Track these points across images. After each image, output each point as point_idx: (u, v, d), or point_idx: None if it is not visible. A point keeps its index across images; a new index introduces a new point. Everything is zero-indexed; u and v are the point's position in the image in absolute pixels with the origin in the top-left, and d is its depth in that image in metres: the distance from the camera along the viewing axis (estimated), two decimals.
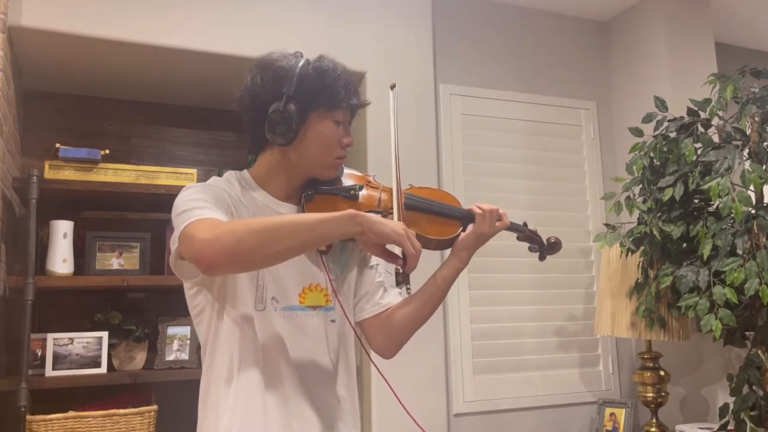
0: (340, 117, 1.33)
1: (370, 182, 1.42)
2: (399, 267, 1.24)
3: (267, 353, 1.27)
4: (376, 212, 1.32)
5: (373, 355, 1.44)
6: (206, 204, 1.21)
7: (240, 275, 1.26)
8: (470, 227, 1.41)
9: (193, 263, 1.13)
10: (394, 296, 1.45)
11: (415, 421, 1.34)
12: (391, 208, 1.35)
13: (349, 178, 1.41)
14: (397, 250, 1.25)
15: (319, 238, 1.19)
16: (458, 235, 1.41)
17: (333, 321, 1.36)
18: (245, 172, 1.37)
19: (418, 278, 1.33)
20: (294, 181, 1.35)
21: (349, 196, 1.35)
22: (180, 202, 1.23)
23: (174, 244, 1.21)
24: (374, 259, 1.46)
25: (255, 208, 1.31)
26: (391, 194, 1.37)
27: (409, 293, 1.27)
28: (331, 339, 1.35)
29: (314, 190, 1.34)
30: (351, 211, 1.18)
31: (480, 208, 1.41)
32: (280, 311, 1.29)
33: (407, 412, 1.38)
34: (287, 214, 1.32)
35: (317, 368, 1.32)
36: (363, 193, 1.37)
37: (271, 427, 1.25)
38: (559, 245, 1.54)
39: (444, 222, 1.41)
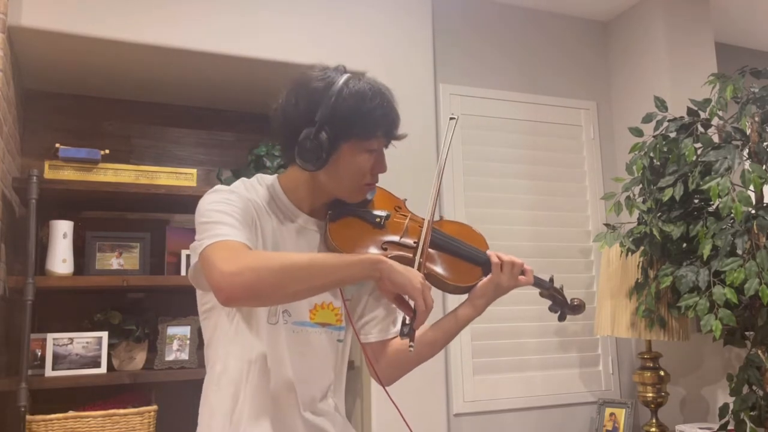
0: (375, 146, 1.26)
1: (400, 208, 1.38)
2: (407, 318, 1.21)
3: (273, 364, 1.26)
4: (398, 244, 1.30)
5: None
6: (232, 220, 1.18)
7: None
8: (488, 278, 1.37)
9: (211, 290, 1.12)
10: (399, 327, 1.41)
11: (408, 426, 1.33)
12: (414, 242, 1.31)
13: (380, 199, 1.36)
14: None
15: (339, 282, 1.20)
16: (476, 283, 1.36)
17: (340, 341, 1.35)
18: (275, 180, 1.34)
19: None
20: (320, 199, 1.32)
21: (375, 224, 1.31)
22: (206, 209, 1.21)
23: (194, 253, 1.19)
24: None
25: (279, 220, 1.30)
26: (419, 224, 1.34)
27: (411, 349, 1.19)
28: (336, 357, 1.35)
29: (341, 209, 1.31)
30: (373, 256, 1.17)
31: (499, 258, 1.36)
32: (291, 325, 1.28)
33: (401, 416, 1.36)
34: (311, 229, 1.32)
35: (318, 384, 1.32)
36: (389, 221, 1.32)
37: None
38: (582, 308, 1.47)
39: (466, 267, 1.36)
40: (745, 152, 2.24)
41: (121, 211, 2.64)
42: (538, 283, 1.44)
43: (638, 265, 2.48)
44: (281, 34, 2.45)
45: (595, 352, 2.99)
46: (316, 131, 1.20)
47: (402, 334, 1.20)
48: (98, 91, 2.67)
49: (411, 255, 1.29)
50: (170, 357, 2.35)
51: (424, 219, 1.33)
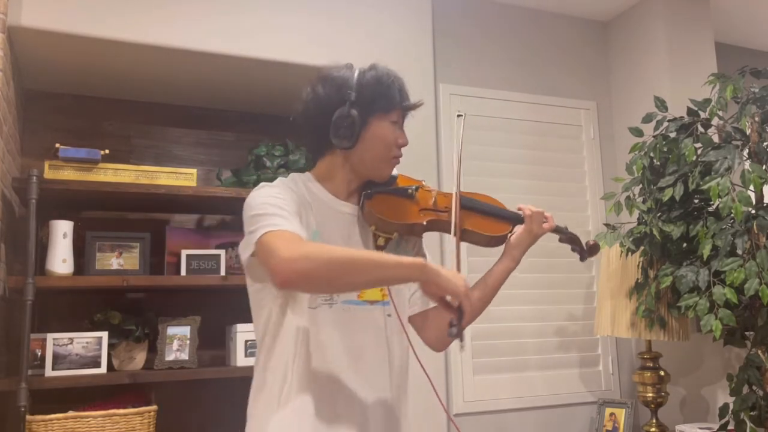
0: (396, 118, 1.41)
1: (423, 185, 1.50)
2: (453, 320, 1.27)
3: (317, 345, 1.32)
4: (433, 210, 1.45)
5: (418, 351, 1.48)
6: (284, 212, 1.27)
7: None
8: (519, 228, 1.51)
9: (269, 275, 1.20)
10: None
11: (451, 419, 1.37)
12: (446, 208, 1.45)
13: (402, 180, 1.49)
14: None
15: (385, 281, 1.30)
16: (509, 233, 1.51)
17: (389, 315, 1.42)
18: (309, 175, 1.45)
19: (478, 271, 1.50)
20: (353, 183, 1.43)
21: (407, 195, 1.44)
22: (257, 202, 1.30)
23: (247, 245, 1.27)
24: (424, 254, 1.54)
25: (319, 208, 1.39)
26: (445, 195, 1.48)
27: (462, 348, 1.31)
28: (389, 332, 1.42)
29: (374, 190, 1.42)
30: (420, 261, 1.25)
31: (528, 209, 1.51)
32: (340, 304, 1.36)
33: (445, 410, 1.49)
34: (348, 213, 1.42)
35: (374, 361, 1.38)
36: (419, 193, 1.45)
37: (323, 419, 1.30)
38: (597, 248, 1.63)
39: (496, 222, 1.50)
40: (745, 152, 2.24)
41: (121, 211, 2.64)
42: (557, 229, 1.58)
43: (638, 265, 2.48)
44: (281, 34, 2.45)
45: (595, 352, 2.99)
46: (348, 108, 1.35)
47: (451, 335, 1.26)
48: (98, 91, 2.67)
49: (446, 218, 1.44)
50: (170, 357, 2.35)
51: (448, 192, 1.49)
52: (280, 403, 1.31)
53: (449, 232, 1.43)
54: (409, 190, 1.44)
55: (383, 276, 1.25)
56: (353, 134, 1.36)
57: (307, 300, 1.33)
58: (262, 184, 1.37)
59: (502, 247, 1.53)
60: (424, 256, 1.52)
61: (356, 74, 1.39)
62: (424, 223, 1.43)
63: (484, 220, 1.49)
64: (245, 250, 1.30)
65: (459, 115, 1.55)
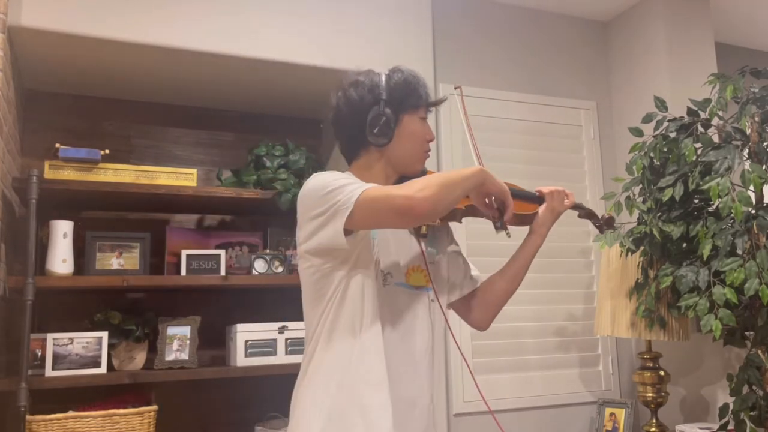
0: (423, 113, 1.53)
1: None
2: (495, 216, 1.47)
3: (382, 322, 1.42)
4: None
5: (457, 336, 1.60)
6: (356, 180, 1.37)
7: (366, 251, 1.42)
8: (543, 207, 1.61)
9: (391, 218, 1.31)
10: (478, 274, 1.68)
11: (495, 418, 1.63)
12: None
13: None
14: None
15: (468, 189, 1.41)
16: (536, 212, 1.61)
17: (433, 301, 1.54)
18: (347, 172, 1.50)
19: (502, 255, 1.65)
20: (391, 179, 1.53)
21: None
22: (322, 184, 1.36)
23: (329, 218, 1.33)
24: (456, 242, 1.68)
25: None
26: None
27: (509, 235, 1.49)
28: (433, 317, 1.54)
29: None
30: (479, 167, 1.41)
31: (547, 188, 1.62)
32: (393, 286, 1.48)
33: (487, 406, 1.63)
34: None
35: (415, 344, 1.49)
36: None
37: (388, 395, 1.38)
38: (613, 220, 1.76)
39: (523, 202, 1.61)
40: (745, 152, 2.24)
41: (121, 211, 2.64)
42: (577, 206, 1.69)
43: (638, 265, 2.48)
44: (281, 34, 2.45)
45: (595, 352, 2.99)
46: (382, 107, 1.46)
47: (498, 229, 1.48)
48: (98, 91, 2.68)
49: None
50: (170, 357, 2.35)
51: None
52: (346, 377, 1.38)
53: (484, 216, 1.54)
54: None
55: (467, 185, 1.39)
56: (389, 131, 1.46)
57: (374, 276, 1.43)
58: (310, 178, 1.42)
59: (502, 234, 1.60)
60: (454, 241, 1.68)
61: (384, 77, 1.50)
62: (464, 207, 1.53)
63: (515, 202, 1.55)
64: (326, 227, 1.34)
65: (456, 88, 1.68)
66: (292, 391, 1.49)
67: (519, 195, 1.59)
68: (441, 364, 1.58)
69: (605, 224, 1.75)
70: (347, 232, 1.33)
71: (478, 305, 1.64)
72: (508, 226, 1.49)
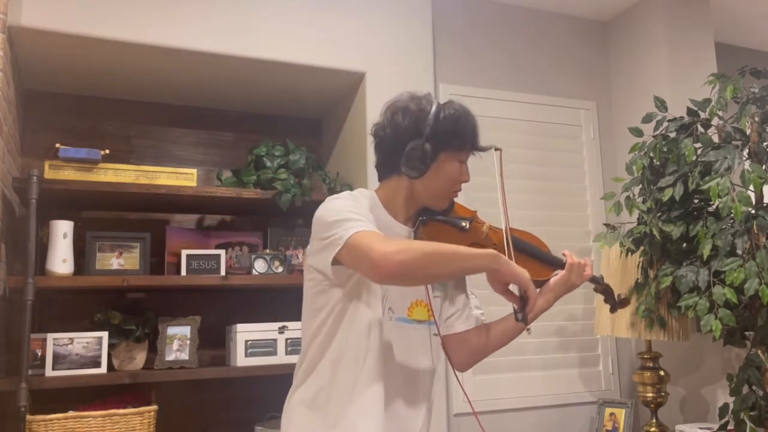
0: (465, 157, 1.51)
1: (475, 218, 1.57)
2: (517, 307, 1.42)
3: (384, 359, 1.41)
4: (482, 245, 1.48)
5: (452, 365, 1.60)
6: (362, 218, 1.35)
7: (366, 284, 1.40)
8: (559, 273, 1.56)
9: (365, 270, 1.29)
10: (477, 314, 1.66)
11: (477, 419, 1.62)
12: (495, 244, 1.51)
13: (458, 209, 1.57)
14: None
15: (468, 270, 1.37)
16: (548, 279, 1.55)
17: (436, 335, 1.53)
18: (374, 194, 1.52)
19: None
20: (412, 208, 1.51)
21: (461, 228, 1.51)
22: (333, 211, 1.37)
23: (327, 248, 1.34)
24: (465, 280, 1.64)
25: (381, 230, 1.42)
26: (495, 233, 1.55)
27: (529, 332, 1.45)
28: (434, 351, 1.52)
29: (429, 216, 1.50)
30: (494, 252, 1.35)
31: (572, 258, 1.56)
32: (395, 321, 1.46)
33: (471, 408, 1.59)
34: (405, 236, 1.50)
35: (421, 378, 1.49)
36: (471, 226, 1.53)
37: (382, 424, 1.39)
38: (627, 301, 1.71)
39: (539, 265, 1.56)
40: (745, 152, 2.24)
41: (121, 211, 2.64)
42: (594, 279, 1.65)
43: (638, 265, 2.48)
44: (281, 34, 2.45)
45: (595, 352, 2.99)
46: (423, 142, 1.43)
47: (518, 320, 1.42)
48: (98, 91, 2.67)
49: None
50: (170, 357, 2.35)
51: (498, 228, 1.55)
52: (351, 403, 1.37)
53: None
54: (463, 223, 1.51)
55: (466, 266, 1.35)
56: (423, 167, 1.43)
57: (380, 309, 1.41)
58: (331, 197, 1.44)
59: None
60: (464, 283, 1.63)
61: (434, 108, 1.45)
62: None
63: (529, 263, 1.53)
64: (323, 252, 1.36)
65: (496, 149, 1.59)
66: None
67: (540, 257, 1.56)
68: (442, 398, 1.58)
69: (619, 305, 1.69)
70: (338, 261, 1.34)
71: (464, 348, 1.59)
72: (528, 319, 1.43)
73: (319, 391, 1.41)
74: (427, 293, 1.51)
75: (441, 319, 1.57)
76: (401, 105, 1.48)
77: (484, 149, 1.55)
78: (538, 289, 1.53)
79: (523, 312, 1.41)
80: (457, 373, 1.61)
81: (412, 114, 1.45)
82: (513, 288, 1.42)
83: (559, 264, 1.57)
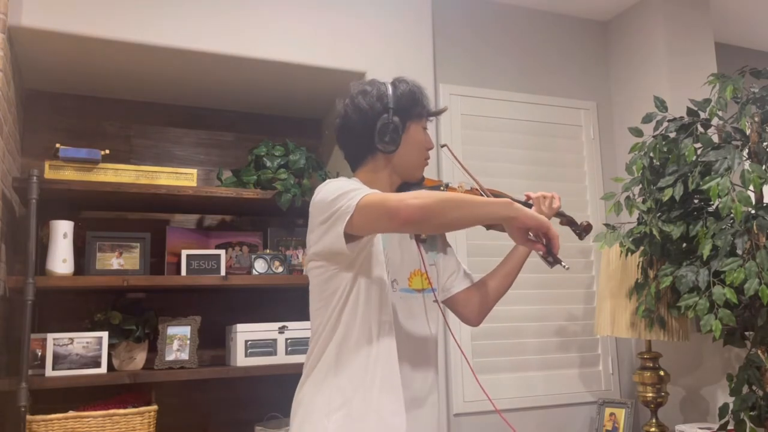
0: (425, 123, 1.60)
1: (449, 184, 1.66)
2: (542, 251, 1.40)
3: (395, 330, 1.47)
4: None
5: (455, 332, 1.68)
6: (363, 186, 1.41)
7: (374, 259, 1.45)
8: (533, 209, 1.66)
9: (383, 222, 1.32)
10: (470, 276, 1.74)
11: (498, 411, 1.77)
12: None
13: (429, 182, 1.65)
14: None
15: (482, 217, 1.38)
16: None
17: (435, 302, 1.61)
18: (354, 179, 1.56)
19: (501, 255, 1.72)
20: (393, 185, 1.59)
21: (441, 191, 1.54)
22: (333, 188, 1.40)
23: (333, 223, 1.36)
24: (449, 245, 1.74)
25: None
26: (470, 190, 1.66)
27: (567, 268, 1.44)
28: (432, 318, 1.60)
29: (409, 189, 1.54)
30: (508, 200, 1.37)
31: (535, 194, 1.70)
32: (399, 292, 1.54)
33: (489, 399, 1.72)
34: None
35: (423, 346, 1.56)
36: (448, 190, 1.62)
37: (402, 401, 1.43)
38: (590, 227, 1.83)
39: None
40: (745, 152, 2.24)
41: (121, 211, 2.64)
42: (559, 212, 1.76)
43: (638, 265, 2.48)
44: (281, 34, 2.45)
45: (595, 352, 2.99)
46: (391, 116, 1.51)
47: (550, 264, 1.41)
48: (98, 91, 2.68)
49: None
50: (170, 357, 2.35)
51: (472, 187, 1.66)
52: (365, 380, 1.41)
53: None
54: (441, 188, 1.61)
55: (482, 212, 1.36)
56: (398, 138, 1.52)
57: (388, 283, 1.47)
58: (322, 183, 1.48)
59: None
60: (448, 245, 1.73)
61: (391, 87, 1.55)
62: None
63: None
64: (330, 230, 1.37)
65: (442, 146, 1.76)
66: (294, 390, 1.50)
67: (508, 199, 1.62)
68: (436, 354, 1.63)
69: (584, 231, 1.82)
70: (350, 237, 1.36)
71: (472, 301, 1.70)
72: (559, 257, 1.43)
73: (329, 369, 1.43)
74: (422, 263, 1.59)
75: (439, 285, 1.66)
76: (358, 90, 1.56)
77: (440, 112, 1.66)
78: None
79: (553, 254, 1.39)
80: (474, 371, 1.77)
81: (372, 95, 1.53)
82: (530, 236, 1.42)
83: (526, 204, 1.65)
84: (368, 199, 1.33)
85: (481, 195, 1.63)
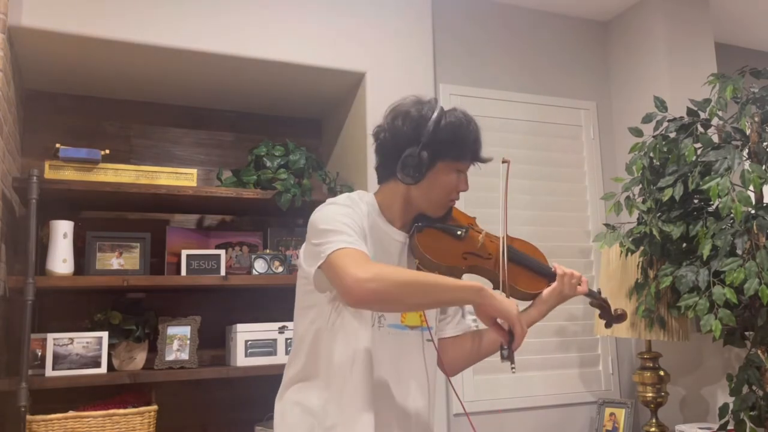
0: (463, 167, 1.48)
1: (473, 226, 1.55)
2: (504, 344, 1.34)
3: (373, 366, 1.39)
4: (476, 255, 1.49)
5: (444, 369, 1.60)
6: (353, 232, 1.33)
7: None
8: (552, 286, 1.54)
9: (339, 293, 1.29)
10: (469, 321, 1.63)
11: (472, 425, 1.56)
12: (489, 255, 1.50)
13: (456, 215, 1.55)
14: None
15: (448, 302, 1.38)
16: (541, 291, 1.54)
17: (429, 340, 1.52)
18: (373, 198, 1.51)
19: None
20: (409, 214, 1.50)
21: (456, 236, 1.49)
22: (325, 218, 1.36)
23: (314, 256, 1.33)
24: None
25: (376, 234, 1.45)
26: (491, 242, 1.52)
27: (513, 370, 1.35)
28: (427, 356, 1.51)
29: (425, 223, 1.49)
30: (477, 284, 1.32)
31: (562, 269, 1.54)
32: (387, 328, 1.44)
33: (463, 408, 1.44)
34: (400, 241, 1.49)
35: (415, 382, 1.48)
36: (468, 235, 1.50)
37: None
38: (624, 317, 1.66)
39: (534, 277, 1.54)
40: (745, 152, 2.24)
41: (121, 211, 2.64)
42: (590, 293, 1.60)
43: (638, 265, 2.48)
44: (281, 34, 2.45)
45: (595, 352, 2.99)
46: (420, 150, 1.41)
47: (503, 358, 1.34)
48: (98, 91, 2.68)
49: (488, 266, 1.50)
50: (170, 357, 2.35)
51: (495, 235, 1.53)
52: (340, 409, 1.36)
53: (487, 278, 1.50)
54: (459, 231, 1.49)
55: (446, 297, 1.33)
56: (419, 174, 1.42)
57: (370, 317, 1.40)
58: (331, 200, 1.43)
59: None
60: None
61: (435, 115, 1.42)
62: (464, 267, 1.48)
63: (524, 275, 1.52)
64: (311, 259, 1.36)
65: (504, 162, 1.57)
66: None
67: (534, 268, 1.55)
68: (433, 396, 1.55)
69: (616, 320, 1.66)
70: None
71: (454, 352, 1.59)
72: (515, 353, 1.35)
73: (311, 392, 1.41)
74: None
75: (435, 323, 1.56)
76: (403, 109, 1.45)
77: (484, 161, 1.52)
78: (531, 307, 1.53)
79: (509, 349, 1.33)
80: (452, 384, 1.63)
81: (413, 120, 1.43)
82: (501, 322, 1.37)
83: (550, 275, 1.55)
84: (337, 257, 1.27)
85: (501, 244, 1.49)
